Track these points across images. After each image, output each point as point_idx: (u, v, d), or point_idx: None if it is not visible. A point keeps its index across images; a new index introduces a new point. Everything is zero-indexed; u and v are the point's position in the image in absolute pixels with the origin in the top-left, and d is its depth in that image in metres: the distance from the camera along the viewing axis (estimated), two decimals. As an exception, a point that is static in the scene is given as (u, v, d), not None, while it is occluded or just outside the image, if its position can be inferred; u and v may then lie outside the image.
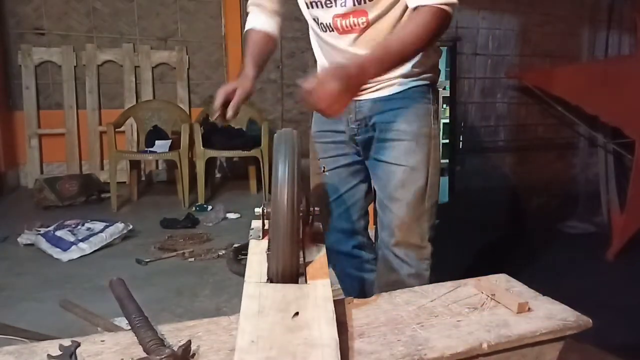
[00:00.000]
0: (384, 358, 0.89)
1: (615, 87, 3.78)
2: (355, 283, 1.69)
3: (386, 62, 1.14)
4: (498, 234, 3.77)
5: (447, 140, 5.61)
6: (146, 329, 0.92)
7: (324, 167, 1.55)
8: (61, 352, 0.89)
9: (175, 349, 0.86)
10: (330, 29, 1.36)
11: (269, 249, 1.04)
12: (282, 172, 0.98)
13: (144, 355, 0.87)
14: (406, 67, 1.36)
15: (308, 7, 1.38)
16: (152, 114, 4.11)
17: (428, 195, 1.41)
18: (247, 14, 1.49)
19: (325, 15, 1.35)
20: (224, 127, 4.08)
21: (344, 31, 1.34)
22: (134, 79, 4.38)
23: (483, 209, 4.48)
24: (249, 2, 1.48)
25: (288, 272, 0.99)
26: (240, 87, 1.33)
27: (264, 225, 1.12)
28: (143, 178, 4.40)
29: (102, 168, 4.32)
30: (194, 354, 0.88)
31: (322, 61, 1.48)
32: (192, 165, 3.83)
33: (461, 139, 4.84)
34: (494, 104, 4.86)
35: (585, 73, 4.33)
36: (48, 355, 0.88)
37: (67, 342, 0.92)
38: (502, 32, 4.77)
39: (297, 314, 0.90)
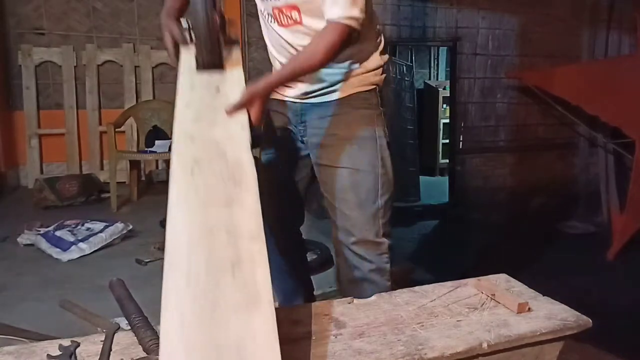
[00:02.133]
0: (384, 357, 0.89)
1: (615, 87, 3.78)
2: (288, 279, 1.73)
3: (289, 78, 1.34)
4: (498, 234, 3.77)
5: (447, 140, 5.61)
6: (146, 329, 0.92)
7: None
8: (61, 352, 0.89)
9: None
10: (272, 20, 1.45)
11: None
12: None
13: (143, 354, 0.87)
14: (346, 72, 1.45)
15: None
16: (152, 114, 4.11)
17: (380, 194, 1.47)
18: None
19: (266, 6, 1.44)
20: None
21: (282, 24, 1.43)
22: (134, 79, 4.38)
23: (483, 209, 4.48)
24: None
25: (210, 61, 1.25)
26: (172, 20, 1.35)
27: (190, 34, 1.31)
28: (143, 178, 4.39)
29: (102, 168, 4.32)
30: (193, 354, 0.88)
31: (270, 49, 1.54)
32: (192, 165, 3.83)
33: (461, 139, 4.84)
34: (494, 104, 4.85)
35: (585, 73, 4.33)
36: (48, 355, 0.88)
37: (66, 342, 0.92)
38: (502, 32, 4.76)
39: (218, 89, 1.21)
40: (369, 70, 1.48)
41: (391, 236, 1.51)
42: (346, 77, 1.46)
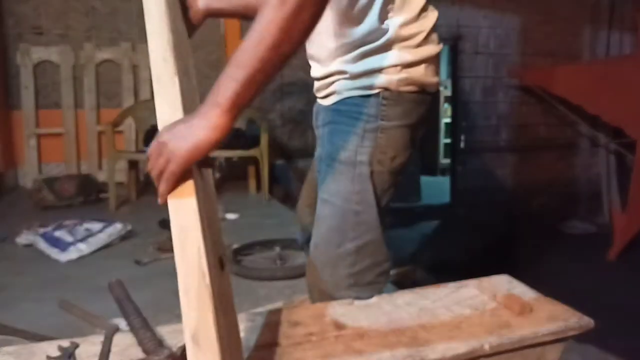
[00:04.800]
0: (385, 359, 0.88)
1: (616, 86, 3.78)
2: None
3: (234, 83, 0.79)
4: (499, 234, 3.76)
5: (448, 140, 5.62)
6: (145, 330, 0.92)
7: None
8: (60, 353, 0.89)
9: (174, 349, 0.85)
10: None
11: None
12: None
13: (143, 356, 0.86)
14: (348, 68, 1.13)
15: None
16: (151, 113, 4.03)
17: (351, 237, 1.13)
18: None
19: None
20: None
21: None
22: (132, 78, 4.37)
23: (484, 209, 4.48)
24: None
25: None
26: None
27: None
28: (142, 178, 4.38)
29: (100, 168, 4.31)
30: (192, 356, 0.87)
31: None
32: (191, 165, 3.82)
33: (462, 139, 4.84)
34: (495, 103, 4.86)
35: (586, 73, 4.33)
36: (47, 356, 0.88)
37: (65, 343, 0.92)
38: (504, 31, 4.76)
39: None
40: (376, 69, 1.11)
41: (374, 285, 1.17)
42: (349, 75, 1.13)
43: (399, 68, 1.11)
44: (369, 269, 1.16)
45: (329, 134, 1.17)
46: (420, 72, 1.14)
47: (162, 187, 0.76)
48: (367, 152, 1.12)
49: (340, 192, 1.14)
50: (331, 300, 1.15)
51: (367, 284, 1.16)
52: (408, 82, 1.13)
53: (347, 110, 1.14)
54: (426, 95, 1.17)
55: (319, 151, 1.23)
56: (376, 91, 1.12)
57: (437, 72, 1.19)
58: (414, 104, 1.15)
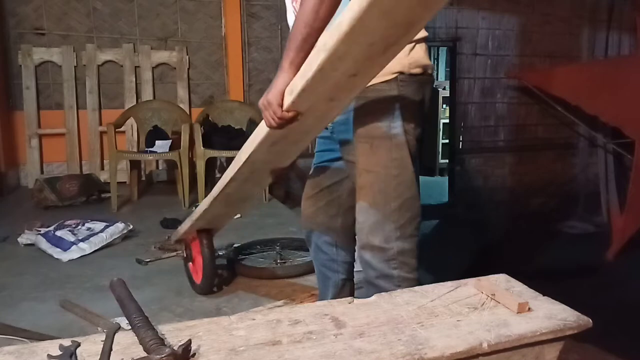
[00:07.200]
0: (384, 357, 0.89)
1: (615, 87, 3.79)
2: (320, 277, 1.72)
3: (292, 46, 1.19)
4: (498, 234, 3.77)
5: (447, 140, 5.62)
6: (146, 329, 0.92)
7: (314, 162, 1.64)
8: (61, 352, 0.89)
9: (176, 348, 0.86)
10: (293, 10, 1.43)
11: None
12: None
13: (144, 354, 0.87)
14: None
15: None
16: (153, 114, 4.11)
17: (393, 196, 1.37)
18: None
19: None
20: (224, 127, 4.07)
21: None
22: (134, 79, 4.38)
23: (483, 209, 4.49)
24: None
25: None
26: None
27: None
28: (143, 178, 4.39)
29: (102, 168, 4.32)
30: (194, 354, 0.88)
31: None
32: (192, 165, 3.83)
33: (461, 139, 4.84)
34: (494, 104, 4.86)
35: (585, 73, 4.34)
36: (48, 355, 0.88)
37: (67, 342, 0.92)
38: (502, 32, 4.77)
39: None
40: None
41: (413, 237, 1.40)
42: None
43: (407, 51, 1.34)
44: (409, 222, 1.39)
45: (360, 118, 1.38)
46: (420, 54, 1.38)
47: (270, 123, 1.27)
48: (398, 126, 1.36)
49: (382, 162, 1.37)
50: (383, 255, 1.37)
51: (409, 236, 1.39)
52: (415, 64, 1.36)
53: (373, 96, 1.35)
54: (427, 76, 1.41)
55: (346, 134, 1.44)
56: (394, 76, 1.35)
57: (429, 56, 1.42)
58: (420, 84, 1.39)
